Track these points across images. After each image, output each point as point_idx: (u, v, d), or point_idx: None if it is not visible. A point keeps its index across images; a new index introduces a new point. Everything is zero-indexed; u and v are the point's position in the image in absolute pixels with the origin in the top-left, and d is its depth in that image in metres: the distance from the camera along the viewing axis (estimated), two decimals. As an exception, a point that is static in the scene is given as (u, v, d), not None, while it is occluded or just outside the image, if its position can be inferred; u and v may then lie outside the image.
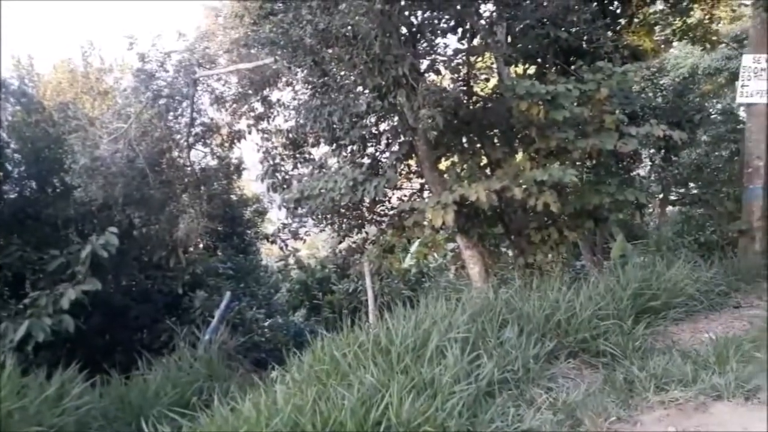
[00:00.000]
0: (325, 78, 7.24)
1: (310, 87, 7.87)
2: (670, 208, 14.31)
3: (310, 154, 10.49)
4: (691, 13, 13.18)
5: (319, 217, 9.61)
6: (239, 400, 4.71)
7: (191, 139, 11.54)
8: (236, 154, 13.55)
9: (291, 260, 16.73)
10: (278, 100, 10.99)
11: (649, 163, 13.88)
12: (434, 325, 5.16)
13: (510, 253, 9.36)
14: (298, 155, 10.46)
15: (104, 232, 9.64)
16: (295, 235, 12.19)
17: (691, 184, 13.24)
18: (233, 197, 14.52)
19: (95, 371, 7.60)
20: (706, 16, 13.42)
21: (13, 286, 9.98)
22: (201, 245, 13.26)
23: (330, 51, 6.79)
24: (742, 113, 11.79)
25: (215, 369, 8.16)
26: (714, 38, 13.85)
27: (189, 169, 11.94)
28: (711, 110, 14.19)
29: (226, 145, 12.45)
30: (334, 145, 8.17)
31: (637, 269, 6.83)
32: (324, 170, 8.16)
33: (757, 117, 8.74)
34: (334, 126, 7.52)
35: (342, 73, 7.35)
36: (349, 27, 6.16)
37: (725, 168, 12.46)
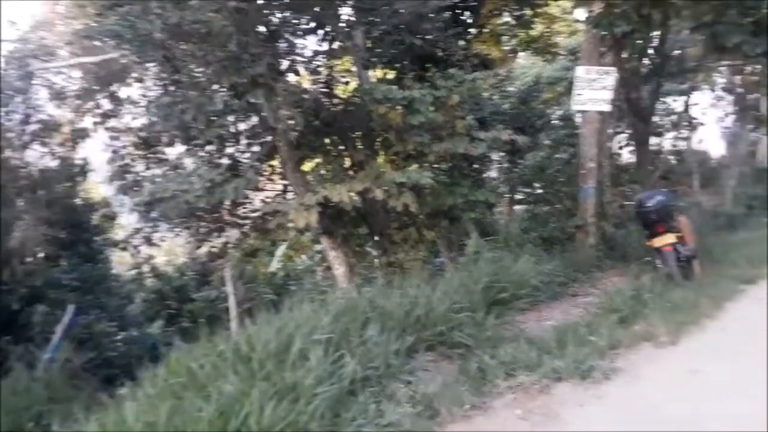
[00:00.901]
0: (178, 74, 6.89)
1: (161, 83, 7.44)
2: (518, 206, 15.47)
3: (164, 154, 9.93)
4: (534, 26, 14.39)
5: (174, 220, 9.13)
6: (84, 422, 4.33)
7: (26, 138, 10.39)
8: (81, 155, 12.44)
9: (146, 268, 15.70)
10: (128, 96, 10.28)
11: (498, 165, 14.93)
12: (297, 328, 5.10)
13: (374, 252, 9.57)
14: (150, 155, 9.86)
15: None
16: (149, 241, 11.47)
17: (536, 184, 14.40)
18: (78, 201, 13.30)
19: None
20: (547, 30, 14.73)
21: None
22: (41, 255, 12.01)
23: (182, 47, 6.47)
24: (578, 119, 13.03)
25: (57, 390, 7.43)
26: (554, 50, 15.23)
27: (24, 170, 10.74)
28: (552, 116, 15.57)
29: (69, 144, 11.39)
30: (190, 144, 7.81)
31: (488, 264, 7.28)
32: (179, 171, 7.75)
33: (589, 123, 9.72)
34: (188, 125, 7.18)
35: (196, 69, 7.04)
36: (202, 23, 5.90)
37: (564, 169, 13.69)
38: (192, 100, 6.87)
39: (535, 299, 7.30)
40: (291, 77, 7.69)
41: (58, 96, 10.74)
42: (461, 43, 10.85)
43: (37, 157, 11.37)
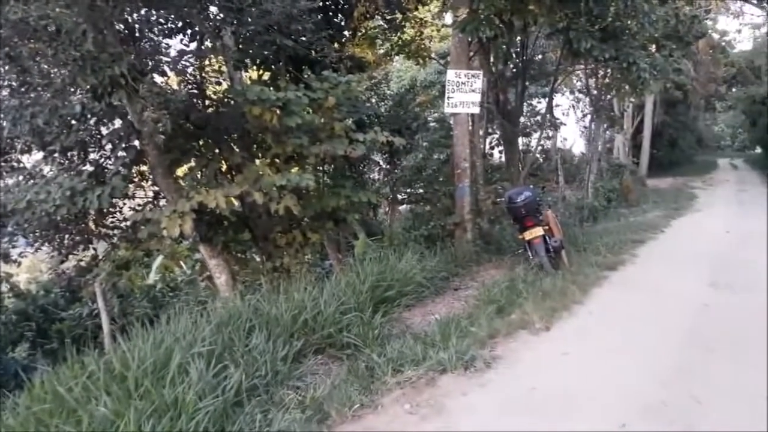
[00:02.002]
0: (26, 75, 6.27)
1: (6, 85, 6.75)
2: (401, 206, 15.84)
3: (19, 162, 9.00)
4: (405, 30, 14.81)
5: (34, 233, 8.33)
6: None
7: None
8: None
9: (4, 287, 14.15)
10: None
11: (379, 166, 15.21)
12: (176, 342, 4.87)
13: (258, 258, 9.34)
14: (3, 163, 8.89)
15: None
16: (6, 258, 10.34)
17: (415, 185, 14.83)
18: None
19: None
20: (418, 34, 15.21)
21: None
22: None
23: (30, 45, 5.90)
24: (452, 121, 13.60)
25: None
26: (426, 54, 15.76)
27: None
28: (428, 119, 16.11)
29: None
30: (47, 151, 7.15)
31: (374, 264, 7.38)
32: (36, 180, 7.06)
33: (461, 125, 10.15)
34: (43, 129, 6.57)
35: (50, 70, 6.46)
36: (50, 20, 5.41)
37: (441, 169, 14.22)
38: (44, 102, 6.29)
39: (420, 295, 7.52)
40: (157, 78, 7.28)
41: None
42: (335, 45, 10.92)
43: None
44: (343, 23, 11.93)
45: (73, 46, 5.58)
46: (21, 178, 8.16)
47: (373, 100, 14.39)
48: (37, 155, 8.51)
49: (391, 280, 7.20)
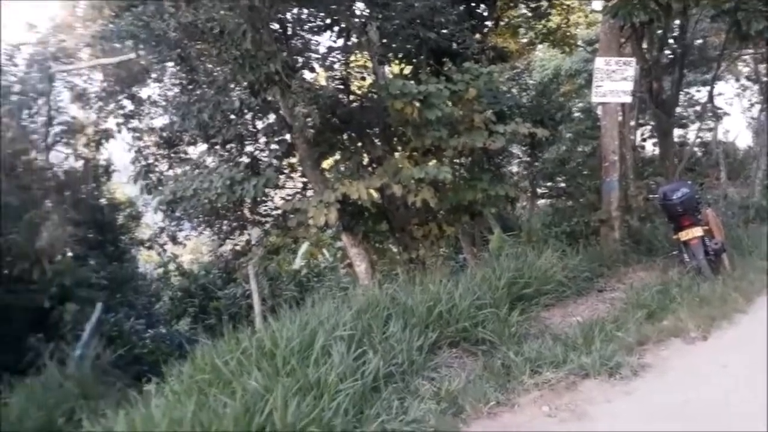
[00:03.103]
0: (194, 74, 6.94)
1: (178, 83, 7.52)
2: (540, 201, 15.32)
3: (185, 153, 10.02)
4: (550, 17, 14.19)
5: (198, 219, 9.22)
6: (113, 418, 4.39)
7: (50, 140, 10.58)
8: (104, 155, 12.64)
9: (171, 266, 15.90)
10: (149, 97, 10.39)
11: (519, 159, 14.78)
12: (320, 325, 5.12)
13: (395, 249, 9.56)
14: (173, 155, 9.95)
15: (-51, 244, 8.66)
16: (174, 240, 11.60)
17: (557, 178, 14.24)
18: (103, 201, 13.52)
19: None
20: (564, 22, 14.52)
21: None
22: (69, 254, 12.23)
23: (197, 46, 6.51)
24: (599, 111, 12.87)
25: (88, 387, 7.57)
26: (572, 42, 15.01)
27: (49, 172, 10.95)
28: (572, 109, 15.36)
29: (93, 145, 11.56)
30: (210, 143, 7.87)
31: (510, 259, 7.21)
32: (200, 170, 7.81)
33: (610, 115, 9.56)
34: (207, 124, 7.23)
35: (214, 68, 7.09)
36: (216, 22, 5.92)
37: (586, 162, 13.51)
38: (209, 99, 6.92)
39: (560, 295, 7.22)
40: (306, 74, 7.69)
41: (80, 98, 10.89)
42: (477, 36, 10.75)
43: (62, 158, 11.56)
44: (485, 13, 11.71)
45: (234, 45, 6.07)
46: (188, 168, 9.07)
47: (515, 91, 14.00)
48: (201, 147, 9.42)
49: (529, 278, 6.98)
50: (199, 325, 15.16)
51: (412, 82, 7.63)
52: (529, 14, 13.70)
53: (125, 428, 4.03)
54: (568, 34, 14.65)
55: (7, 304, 10.63)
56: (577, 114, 14.97)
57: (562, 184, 14.13)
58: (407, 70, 10.39)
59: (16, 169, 10.43)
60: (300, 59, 7.42)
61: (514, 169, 15.36)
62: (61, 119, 10.95)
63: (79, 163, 11.89)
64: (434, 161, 7.94)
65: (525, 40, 15.13)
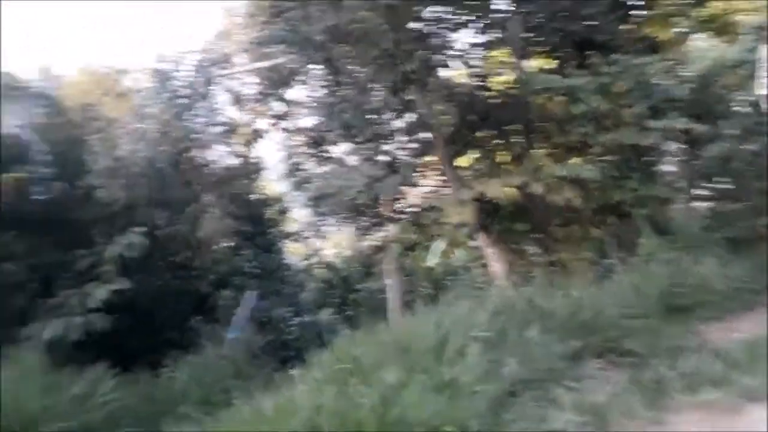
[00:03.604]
0: (337, 75, 7.22)
1: (324, 85, 7.87)
2: (697, 203, 13.95)
3: (329, 152, 10.48)
4: (707, 4, 12.80)
5: (340, 214, 9.62)
6: (262, 398, 4.72)
7: (210, 139, 11.62)
8: (256, 153, 13.60)
9: (315, 259, 16.75)
10: (297, 98, 11.01)
11: (673, 157, 13.55)
12: (454, 324, 5.10)
13: (533, 250, 9.24)
14: (318, 153, 10.46)
15: (128, 232, 9.81)
16: (318, 234, 12.20)
17: (719, 179, 12.86)
18: (255, 196, 14.57)
19: (126, 369, 7.74)
20: (725, 8, 13.04)
21: (43, 286, 10.20)
22: (225, 245, 13.35)
23: (341, 48, 6.76)
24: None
25: (240, 368, 8.22)
26: (733, 30, 13.45)
27: (209, 168, 12.03)
28: (735, 102, 13.79)
29: (247, 144, 12.51)
30: (352, 142, 8.16)
31: (664, 266, 6.66)
32: (343, 168, 8.13)
33: (785, 108, 8.48)
34: (349, 123, 7.49)
35: (355, 69, 7.32)
36: (358, 23, 6.10)
37: (753, 162, 12.06)
38: (351, 99, 7.15)
39: (720, 307, 6.53)
40: (445, 72, 7.67)
41: (237, 100, 11.81)
42: (626, 26, 10.01)
43: (220, 156, 12.65)
44: (635, 2, 10.88)
45: (374, 45, 6.22)
46: (332, 166, 9.50)
47: (669, 83, 12.86)
48: (344, 146, 9.81)
49: (685, 287, 6.40)
50: (340, 316, 15.88)
51: (556, 76, 7.32)
52: (685, 2, 12.47)
53: (272, 409, 4.31)
54: (729, 21, 13.14)
55: (173, 288, 11.83)
56: (740, 108, 13.41)
57: (724, 186, 12.74)
58: (550, 64, 9.98)
59: (181, 165, 11.58)
60: (438, 57, 7.42)
61: (668, 168, 14.13)
62: (220, 120, 11.96)
63: (235, 161, 12.91)
64: (578, 158, 7.56)
65: (679, 30, 13.81)
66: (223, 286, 12.15)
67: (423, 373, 4.39)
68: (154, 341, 10.67)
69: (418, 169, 8.18)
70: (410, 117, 7.82)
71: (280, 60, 9.42)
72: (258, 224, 15.16)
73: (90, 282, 9.85)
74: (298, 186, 10.42)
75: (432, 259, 14.39)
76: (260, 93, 11.44)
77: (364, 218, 9.73)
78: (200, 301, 11.95)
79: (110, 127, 11.06)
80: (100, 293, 9.65)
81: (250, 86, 11.65)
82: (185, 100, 11.12)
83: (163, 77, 11.01)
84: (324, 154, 10.48)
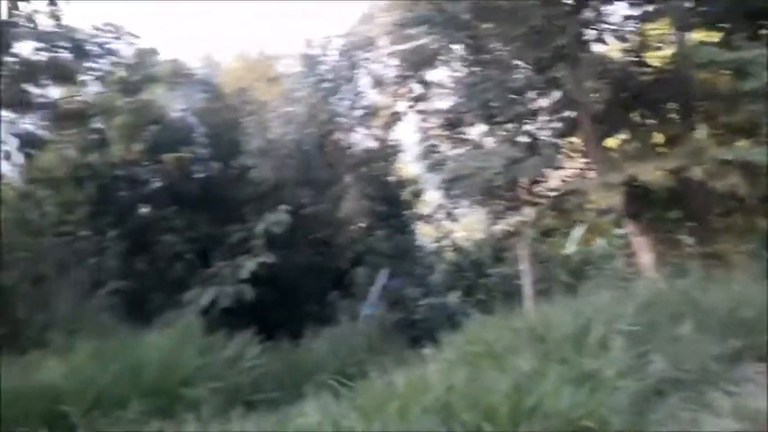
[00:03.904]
0: (481, 54, 7.05)
1: (466, 64, 7.73)
2: None
3: (466, 133, 10.35)
4: None
5: (474, 197, 9.48)
6: (394, 374, 4.82)
7: (352, 122, 11.98)
8: (394, 136, 13.80)
9: (446, 241, 16.74)
10: (436, 80, 10.97)
11: None
12: (596, 315, 4.83)
13: (688, 240, 8.46)
14: (454, 135, 10.37)
15: (276, 210, 10.50)
16: (450, 216, 12.16)
17: None
18: (391, 178, 14.84)
19: (269, 337, 8.33)
20: None
21: (200, 257, 11.26)
22: (361, 224, 13.78)
23: (486, 25, 6.58)
24: None
25: (373, 343, 8.48)
26: None
27: (350, 150, 12.44)
28: None
29: (385, 126, 12.73)
30: (490, 123, 7.97)
31: None
32: (479, 150, 7.98)
33: None
34: (490, 103, 7.31)
35: (499, 47, 7.11)
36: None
37: None
38: (494, 78, 6.97)
39: None
40: (597, 47, 7.19)
41: (378, 83, 12.03)
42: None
43: (360, 138, 13.02)
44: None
45: (522, 21, 5.98)
46: (468, 148, 9.37)
47: None
48: (481, 128, 9.62)
49: None
50: (469, 300, 15.76)
51: (722, 49, 6.57)
52: None
53: (404, 385, 4.38)
54: None
55: (313, 263, 12.48)
56: None
57: None
58: (714, 36, 8.98)
59: (326, 147, 12.09)
60: (590, 32, 6.97)
61: None
62: (362, 103, 12.28)
63: (374, 143, 13.22)
64: (746, 140, 6.75)
65: None
66: (358, 264, 12.58)
67: (560, 363, 4.21)
68: (294, 313, 11.36)
69: (561, 151, 7.79)
70: (555, 95, 7.46)
71: (422, 41, 9.41)
72: (393, 205, 15.44)
73: (241, 255, 10.70)
74: (433, 168, 10.41)
75: (570, 247, 13.77)
76: (400, 75, 11.55)
77: (500, 201, 9.50)
78: (338, 277, 12.48)
79: (262, 110, 11.83)
80: (249, 266, 10.47)
81: (391, 69, 11.80)
82: (330, 84, 11.55)
83: (310, 62, 11.51)
84: (460, 136, 10.37)
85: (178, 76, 10.73)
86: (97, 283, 9.81)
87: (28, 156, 9.55)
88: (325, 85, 11.45)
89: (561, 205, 8.17)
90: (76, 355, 6.61)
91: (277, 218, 10.79)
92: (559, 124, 7.46)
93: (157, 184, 11.62)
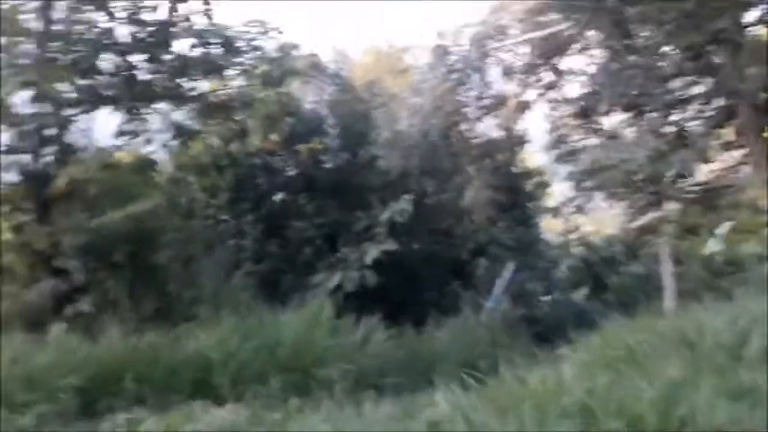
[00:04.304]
0: (626, 40, 6.60)
1: (608, 50, 7.30)
2: None
3: (600, 123, 9.80)
4: None
5: (610, 191, 8.98)
6: (524, 370, 4.71)
7: (480, 112, 11.83)
8: (520, 126, 13.42)
9: (573, 236, 16.03)
10: (569, 68, 10.48)
11: None
12: (755, 323, 4.41)
13: None
14: (587, 125, 9.87)
15: (400, 199, 10.67)
16: (580, 210, 11.64)
17: None
18: (516, 169, 14.46)
19: (392, 323, 8.49)
20: None
21: (327, 243, 11.72)
22: (484, 215, 13.59)
23: (634, 9, 6.15)
24: None
25: (497, 337, 8.38)
26: None
27: (475, 140, 12.30)
28: None
29: (512, 116, 12.41)
30: (630, 112, 7.48)
31: None
32: (618, 140, 7.51)
33: None
34: (632, 92, 6.85)
35: (647, 33, 6.63)
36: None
37: None
38: (640, 65, 6.51)
39: None
40: (761, 29, 6.47)
41: (507, 72, 11.74)
42: None
43: (486, 128, 12.80)
44: None
45: (674, 5, 5.54)
46: (603, 139, 8.88)
47: None
48: (617, 117, 9.07)
49: None
50: (597, 298, 15.00)
51: None
52: None
53: (538, 384, 4.27)
54: None
55: (435, 252, 12.52)
56: None
57: None
58: None
59: (451, 138, 12.04)
60: (753, 14, 6.29)
61: None
62: (490, 93, 12.07)
63: (500, 133, 12.94)
64: None
65: None
66: (480, 255, 12.44)
67: (714, 374, 3.89)
68: (416, 300, 11.49)
69: (712, 143, 7.14)
70: (708, 83, 6.83)
71: (558, 27, 9.03)
72: (517, 197, 15.05)
73: (365, 242, 11.00)
74: (562, 159, 10.00)
75: (714, 246, 12.66)
76: (530, 63, 11.20)
77: (639, 195, 8.90)
78: (459, 267, 12.43)
79: (391, 102, 12.03)
80: (373, 252, 10.74)
81: (521, 57, 11.47)
82: (459, 74, 11.47)
83: (440, 53, 11.49)
84: (594, 126, 9.86)
85: (314, 70, 11.18)
86: (236, 263, 10.53)
87: (180, 144, 10.43)
88: (454, 75, 11.37)
89: (709, 201, 7.50)
90: (220, 329, 7.14)
91: (401, 207, 10.96)
92: (711, 114, 6.81)
93: (290, 172, 12.20)
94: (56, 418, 5.34)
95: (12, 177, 8.64)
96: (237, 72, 10.24)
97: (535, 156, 14.89)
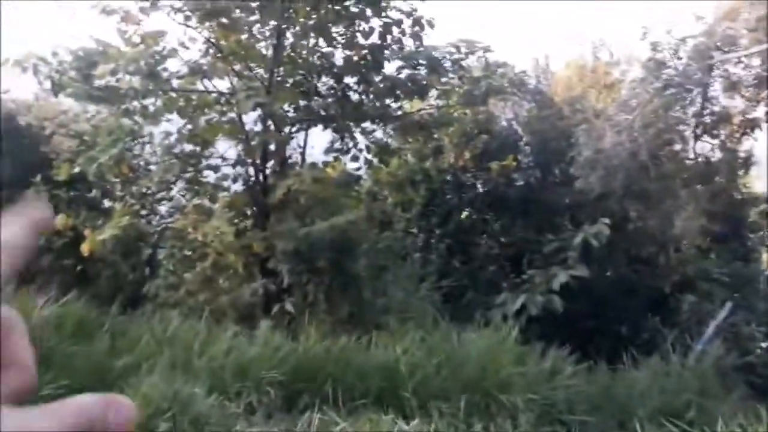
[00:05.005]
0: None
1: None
2: None
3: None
4: None
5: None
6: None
7: (698, 130, 10.66)
8: (745, 146, 11.83)
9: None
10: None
11: None
12: None
13: None
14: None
15: (597, 222, 10.03)
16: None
17: None
18: (737, 195, 12.77)
19: (581, 356, 7.95)
20: None
21: (512, 263, 11.44)
22: (695, 245, 12.23)
23: None
24: None
25: (707, 385, 7.41)
26: None
27: (692, 162, 11.11)
28: None
29: (737, 135, 11.00)
30: None
31: None
32: None
33: None
34: None
35: None
36: None
37: None
38: None
39: None
40: None
41: (733, 86, 10.44)
42: None
43: (706, 149, 11.52)
44: None
45: None
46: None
47: None
48: None
49: None
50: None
51: None
52: None
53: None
54: None
55: (631, 282, 11.54)
56: None
57: None
58: None
59: (662, 158, 11.01)
60: None
61: None
62: (711, 110, 10.84)
63: (721, 154, 11.54)
64: None
65: None
66: (686, 290, 11.19)
67: None
68: (606, 333, 10.67)
69: None
70: None
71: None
72: (736, 226, 13.31)
73: (554, 265, 10.51)
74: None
75: None
76: (761, 77, 9.82)
77: None
78: (660, 301, 11.31)
79: (594, 118, 11.39)
80: (561, 277, 10.22)
81: (752, 70, 10.12)
82: (676, 90, 10.48)
83: (654, 66, 10.61)
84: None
85: (516, 87, 11.03)
86: (422, 277, 10.77)
87: (380, 161, 11.00)
88: (670, 90, 10.40)
89: None
90: (407, 340, 7.32)
91: (597, 230, 10.30)
92: None
93: (480, 189, 12.18)
94: (261, 409, 5.89)
95: (238, 186, 9.90)
96: (439, 92, 10.51)
97: (761, 181, 13.08)
